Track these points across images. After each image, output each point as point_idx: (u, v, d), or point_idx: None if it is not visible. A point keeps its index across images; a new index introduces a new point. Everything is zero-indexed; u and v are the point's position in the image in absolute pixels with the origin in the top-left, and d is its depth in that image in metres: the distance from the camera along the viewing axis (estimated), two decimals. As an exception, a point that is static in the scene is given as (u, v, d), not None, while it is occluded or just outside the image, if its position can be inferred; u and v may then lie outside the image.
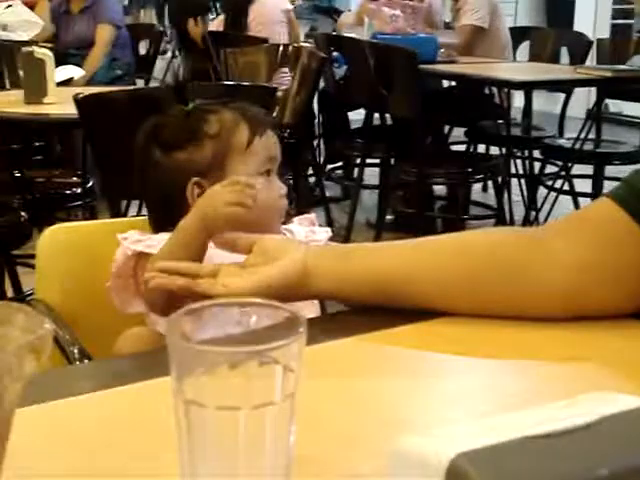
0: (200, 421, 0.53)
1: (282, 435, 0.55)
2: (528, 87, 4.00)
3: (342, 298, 0.97)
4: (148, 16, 9.60)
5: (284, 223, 1.24)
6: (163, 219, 1.20)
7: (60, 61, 3.56)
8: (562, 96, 4.70)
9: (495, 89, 4.10)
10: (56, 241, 1.26)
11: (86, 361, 1.06)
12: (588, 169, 4.01)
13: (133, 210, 3.01)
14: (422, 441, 0.47)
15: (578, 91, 4.76)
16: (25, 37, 4.58)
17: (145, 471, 0.63)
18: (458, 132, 4.66)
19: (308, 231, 1.23)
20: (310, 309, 1.08)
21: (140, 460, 0.65)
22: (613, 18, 7.82)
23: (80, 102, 2.30)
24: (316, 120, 4.50)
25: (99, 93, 2.47)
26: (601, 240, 0.90)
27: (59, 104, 2.85)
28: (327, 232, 1.24)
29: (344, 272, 0.93)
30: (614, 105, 6.98)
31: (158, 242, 1.12)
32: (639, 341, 0.88)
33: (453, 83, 4.46)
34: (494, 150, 4.30)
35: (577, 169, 3.96)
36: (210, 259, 1.05)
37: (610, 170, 3.83)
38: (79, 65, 4.23)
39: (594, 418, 0.47)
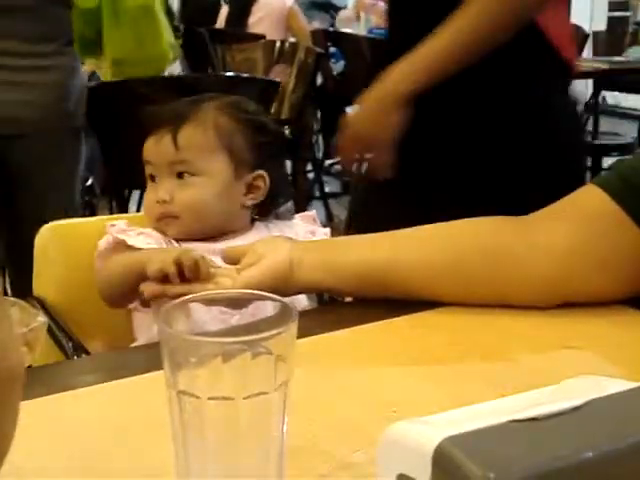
0: (193, 412, 0.54)
1: (275, 425, 0.56)
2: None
3: (328, 289, 0.98)
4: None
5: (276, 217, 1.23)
6: None
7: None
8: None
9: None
10: (54, 238, 1.26)
11: (84, 355, 1.07)
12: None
13: (132, 205, 3.02)
14: (411, 427, 0.48)
15: (575, 83, 4.75)
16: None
17: (146, 464, 0.64)
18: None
19: (307, 232, 1.21)
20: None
21: (141, 453, 0.66)
22: (609, 10, 7.80)
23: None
24: (314, 116, 4.50)
25: (101, 85, 2.46)
26: (588, 227, 0.90)
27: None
28: (326, 234, 1.21)
29: (329, 263, 0.94)
30: (611, 97, 6.97)
31: (144, 235, 1.13)
32: (629, 328, 0.88)
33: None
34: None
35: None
36: None
37: (608, 162, 3.83)
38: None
39: (580, 402, 0.48)
